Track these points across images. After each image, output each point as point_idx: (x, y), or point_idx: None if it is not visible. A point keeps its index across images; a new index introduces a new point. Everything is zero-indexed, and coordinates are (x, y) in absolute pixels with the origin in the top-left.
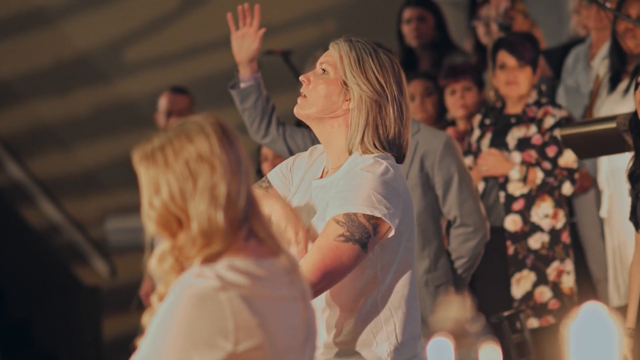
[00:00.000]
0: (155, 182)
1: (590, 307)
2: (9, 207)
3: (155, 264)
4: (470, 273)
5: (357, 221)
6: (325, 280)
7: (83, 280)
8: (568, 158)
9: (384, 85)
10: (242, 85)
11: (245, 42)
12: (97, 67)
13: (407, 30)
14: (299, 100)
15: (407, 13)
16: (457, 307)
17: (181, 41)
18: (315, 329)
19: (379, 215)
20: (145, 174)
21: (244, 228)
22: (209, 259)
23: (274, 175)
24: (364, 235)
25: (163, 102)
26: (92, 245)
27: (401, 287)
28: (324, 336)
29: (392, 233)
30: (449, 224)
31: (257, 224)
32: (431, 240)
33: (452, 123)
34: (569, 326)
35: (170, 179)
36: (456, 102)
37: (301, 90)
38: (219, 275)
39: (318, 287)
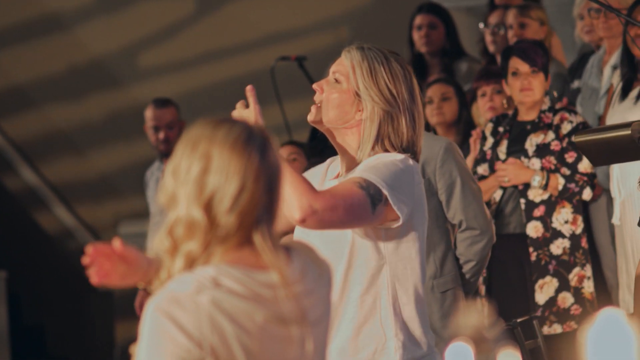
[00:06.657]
0: (176, 157)
1: (608, 314)
2: (23, 211)
3: (157, 241)
4: (479, 277)
5: (373, 185)
6: (329, 205)
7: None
8: (587, 164)
9: (396, 96)
10: None
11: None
12: (111, 73)
13: (418, 36)
14: (313, 108)
15: (418, 20)
16: (476, 314)
17: (196, 47)
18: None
19: (387, 196)
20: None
21: (244, 234)
22: (196, 257)
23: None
24: (377, 195)
25: (148, 115)
26: None
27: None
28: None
29: (399, 223)
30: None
31: (261, 234)
32: (436, 245)
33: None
34: (586, 332)
35: (184, 160)
36: (485, 104)
37: (314, 98)
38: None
39: (321, 208)
